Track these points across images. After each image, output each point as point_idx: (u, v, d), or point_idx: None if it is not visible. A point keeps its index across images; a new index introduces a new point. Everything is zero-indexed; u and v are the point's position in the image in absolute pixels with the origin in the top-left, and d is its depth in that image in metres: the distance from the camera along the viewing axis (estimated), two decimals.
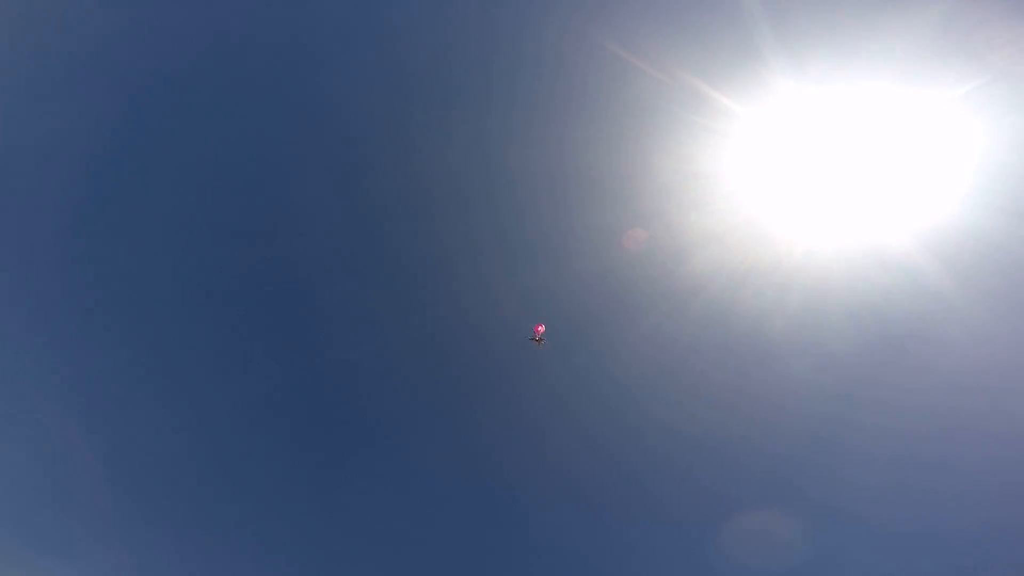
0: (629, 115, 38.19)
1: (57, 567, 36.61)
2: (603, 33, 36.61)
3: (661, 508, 38.73)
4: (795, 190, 39.46)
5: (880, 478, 36.14)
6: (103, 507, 37.99)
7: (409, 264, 41.56)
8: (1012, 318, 34.30)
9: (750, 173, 38.98)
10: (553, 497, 39.57)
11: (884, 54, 33.73)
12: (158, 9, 37.79)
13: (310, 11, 39.01)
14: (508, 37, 38.42)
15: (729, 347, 38.50)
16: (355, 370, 40.97)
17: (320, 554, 39.24)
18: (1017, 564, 33.74)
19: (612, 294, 39.83)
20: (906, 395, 36.12)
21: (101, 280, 39.13)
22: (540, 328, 31.01)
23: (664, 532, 38.73)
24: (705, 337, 38.67)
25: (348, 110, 40.36)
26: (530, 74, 38.77)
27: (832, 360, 37.25)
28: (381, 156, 40.76)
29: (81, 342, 38.72)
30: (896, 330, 36.52)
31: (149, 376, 39.53)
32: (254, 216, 40.68)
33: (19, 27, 36.52)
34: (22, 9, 36.54)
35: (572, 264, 39.93)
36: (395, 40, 39.33)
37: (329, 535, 39.69)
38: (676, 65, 35.99)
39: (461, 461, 40.61)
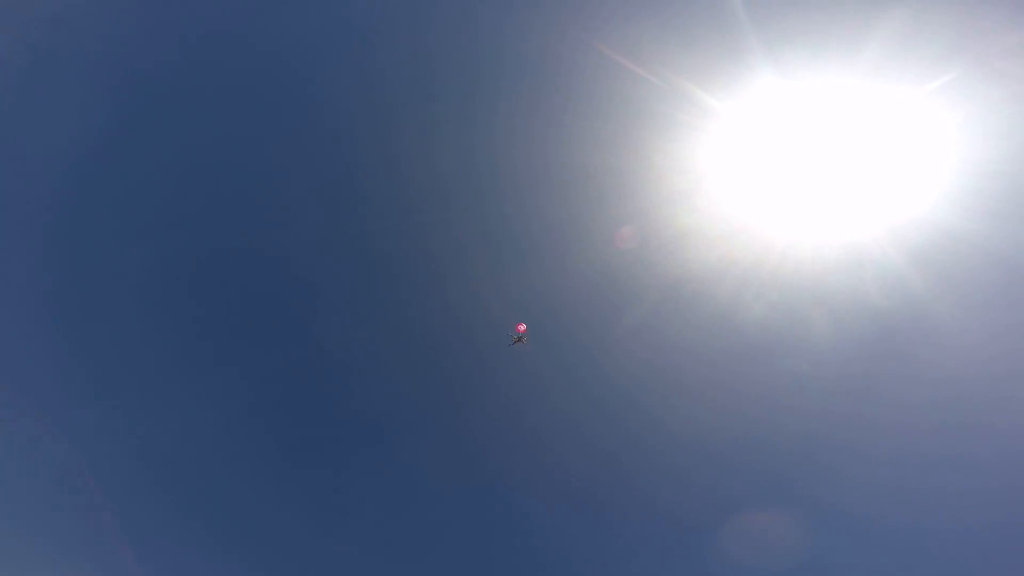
0: (612, 112, 38.46)
1: (54, 568, 36.57)
2: (587, 31, 36.99)
3: (650, 502, 38.77)
4: (775, 186, 39.61)
5: (865, 474, 36.17)
6: (100, 508, 38.05)
7: (398, 264, 41.80)
8: (985, 315, 34.55)
9: (731, 169, 39.18)
10: (544, 496, 39.61)
11: (862, 48, 33.90)
12: (145, 9, 37.98)
13: (299, 8, 39.19)
14: (493, 35, 38.77)
15: (714, 342, 38.67)
16: (346, 370, 41.12)
17: (314, 553, 39.16)
18: (1006, 564, 33.79)
19: (596, 290, 40.02)
20: (882, 389, 36.43)
21: (99, 280, 39.47)
22: (521, 327, 31.21)
23: (656, 529, 38.70)
24: (690, 333, 38.89)
25: (339, 110, 40.74)
26: (515, 73, 39.04)
27: (813, 355, 37.46)
28: (369, 155, 41.05)
29: (77, 342, 38.99)
30: (873, 326, 36.79)
31: (145, 376, 39.64)
32: (242, 217, 40.91)
33: (12, 26, 36.70)
34: (16, 8, 36.73)
35: (559, 261, 40.15)
36: (385, 42, 39.67)
37: (322, 534, 39.70)
38: (658, 63, 36.31)
39: (454, 461, 40.65)
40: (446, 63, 39.48)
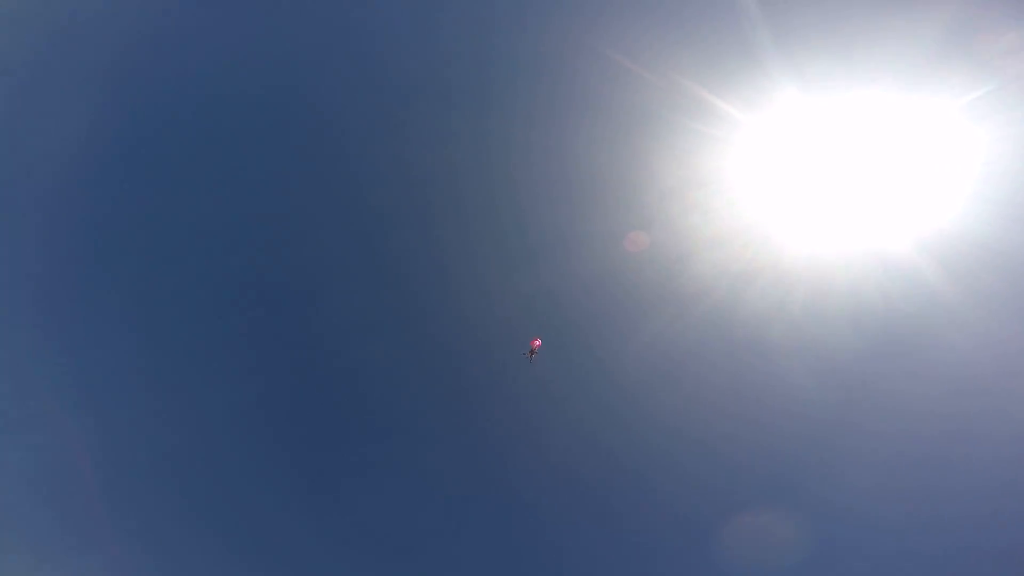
0: (632, 122, 38.49)
1: (52, 569, 36.51)
2: (605, 41, 36.95)
3: (662, 511, 38.83)
4: (798, 196, 39.63)
5: (880, 480, 36.34)
6: (100, 509, 37.97)
7: (410, 269, 41.65)
8: (1012, 323, 34.62)
9: (753, 179, 39.20)
10: (554, 501, 39.59)
11: (887, 62, 33.97)
12: (155, 13, 37.97)
13: (309, 12, 39.19)
14: (511, 45, 38.79)
15: (731, 351, 38.70)
16: (355, 375, 40.94)
17: (318, 558, 39.13)
18: (1016, 565, 33.88)
19: (614, 298, 40.08)
20: (906, 398, 36.42)
21: (98, 282, 39.26)
22: (536, 343, 32.29)
23: (666, 534, 38.81)
24: (707, 341, 38.91)
25: (349, 115, 40.67)
26: (532, 81, 39.06)
27: (834, 364, 37.50)
28: (382, 161, 40.86)
29: (79, 344, 38.78)
30: (898, 336, 36.80)
31: (148, 378, 39.57)
32: (252, 219, 40.74)
33: (17, 30, 36.73)
34: (21, 11, 36.76)
35: (574, 268, 40.10)
36: (398, 48, 39.59)
37: (327, 539, 39.68)
38: (678, 72, 36.33)
39: (462, 466, 40.62)
40: (463, 70, 39.57)
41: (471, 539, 39.91)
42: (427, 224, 41.10)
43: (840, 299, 37.48)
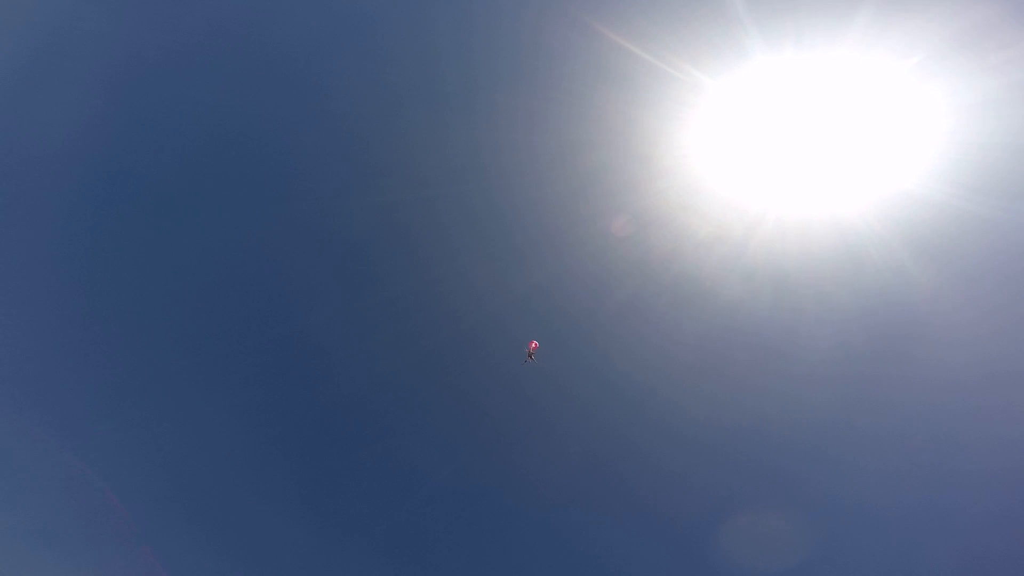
0: (597, 88, 37.98)
1: (54, 569, 36.61)
2: (572, 4, 36.54)
3: (648, 498, 38.90)
4: (763, 161, 39.51)
5: (857, 458, 36.60)
6: (99, 510, 37.97)
7: (395, 260, 41.58)
8: (971, 287, 35.16)
9: (719, 144, 38.94)
10: (546, 495, 39.61)
11: (847, 25, 34.00)
12: (148, 8, 37.98)
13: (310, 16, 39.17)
14: (460, 10, 38.41)
15: (698, 316, 38.85)
16: (347, 374, 41.08)
17: (315, 560, 39.21)
18: (1014, 558, 34.00)
19: (586, 274, 39.95)
20: (873, 370, 36.81)
21: (96, 282, 39.31)
22: (534, 344, 32.55)
23: (654, 525, 38.84)
24: (678, 309, 39.07)
25: (331, 102, 40.57)
26: (496, 50, 38.52)
27: (802, 333, 37.74)
28: (363, 150, 40.76)
29: (77, 344, 38.78)
30: (860, 299, 37.15)
31: (143, 378, 39.57)
32: (247, 221, 40.78)
33: (17, 26, 36.79)
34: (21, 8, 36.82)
35: (545, 243, 40.02)
36: (375, 27, 39.63)
37: (327, 542, 39.70)
38: (645, 38, 36.08)
39: (453, 462, 40.62)
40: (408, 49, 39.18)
41: (461, 537, 40.00)
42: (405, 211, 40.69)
43: (804, 264, 37.75)
